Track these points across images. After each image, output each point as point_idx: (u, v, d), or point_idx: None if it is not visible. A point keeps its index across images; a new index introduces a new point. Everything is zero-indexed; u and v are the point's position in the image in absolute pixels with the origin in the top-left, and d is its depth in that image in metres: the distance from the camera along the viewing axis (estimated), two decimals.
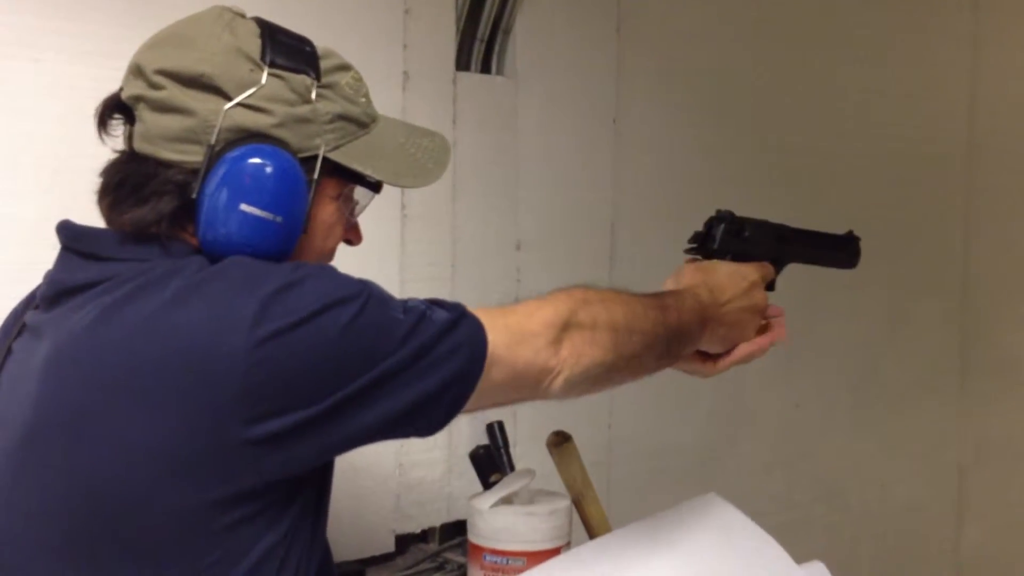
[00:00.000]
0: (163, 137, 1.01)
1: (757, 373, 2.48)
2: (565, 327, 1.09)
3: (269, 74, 1.03)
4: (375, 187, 1.13)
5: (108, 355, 0.94)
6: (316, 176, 1.05)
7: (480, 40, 1.96)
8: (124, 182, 1.03)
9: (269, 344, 0.92)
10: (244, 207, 1.00)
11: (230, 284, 0.95)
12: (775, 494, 2.55)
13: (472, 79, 1.95)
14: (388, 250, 1.83)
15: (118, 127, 1.06)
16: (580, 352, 1.10)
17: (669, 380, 2.27)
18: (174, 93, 1.01)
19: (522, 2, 1.97)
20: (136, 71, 1.04)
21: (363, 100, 1.12)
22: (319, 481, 1.05)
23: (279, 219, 1.01)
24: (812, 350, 2.61)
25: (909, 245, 2.77)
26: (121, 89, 1.06)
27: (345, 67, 1.11)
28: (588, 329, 1.11)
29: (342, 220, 1.12)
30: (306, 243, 1.07)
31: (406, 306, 1.01)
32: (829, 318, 2.64)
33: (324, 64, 1.08)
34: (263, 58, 1.03)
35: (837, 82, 2.59)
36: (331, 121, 1.07)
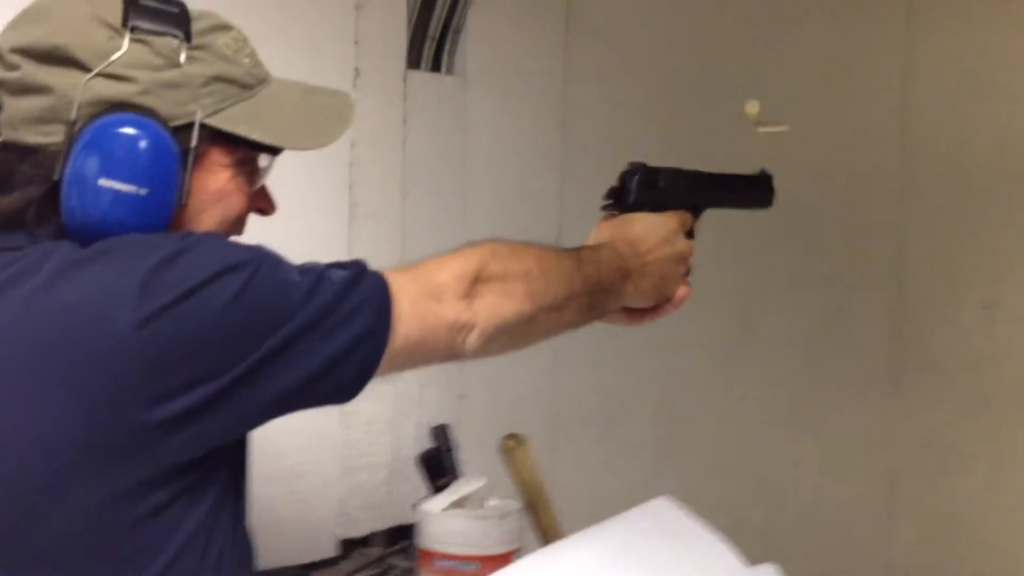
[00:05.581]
0: (25, 120, 0.96)
1: (699, 374, 2.52)
2: (476, 279, 1.05)
3: (131, 40, 0.96)
4: (271, 150, 1.06)
5: None
6: (195, 144, 0.98)
7: (431, 38, 1.94)
8: None
9: (158, 319, 0.87)
10: (103, 182, 0.93)
11: (113, 260, 0.90)
12: (716, 495, 2.57)
13: (422, 77, 1.94)
14: (336, 248, 1.79)
15: None
16: (493, 304, 1.06)
17: (614, 380, 2.30)
18: (29, 71, 0.95)
19: (473, 1, 1.96)
20: None
21: (246, 61, 1.04)
22: (233, 463, 1.00)
23: (143, 191, 0.95)
24: (750, 351, 2.65)
25: (845, 248, 2.82)
26: None
27: (223, 27, 1.04)
28: (500, 280, 1.07)
29: (241, 189, 1.05)
30: (193, 216, 1.01)
31: (302, 268, 0.97)
32: (767, 321, 2.67)
33: (197, 25, 1.01)
34: (124, 24, 0.97)
35: (777, 87, 2.62)
36: (205, 84, 0.99)
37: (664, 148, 2.35)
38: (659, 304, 1.31)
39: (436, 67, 1.97)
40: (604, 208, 1.36)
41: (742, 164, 2.47)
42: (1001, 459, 2.77)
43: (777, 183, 2.53)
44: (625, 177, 1.34)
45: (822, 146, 2.72)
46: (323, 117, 1.10)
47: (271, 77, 1.08)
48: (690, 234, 1.36)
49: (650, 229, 1.29)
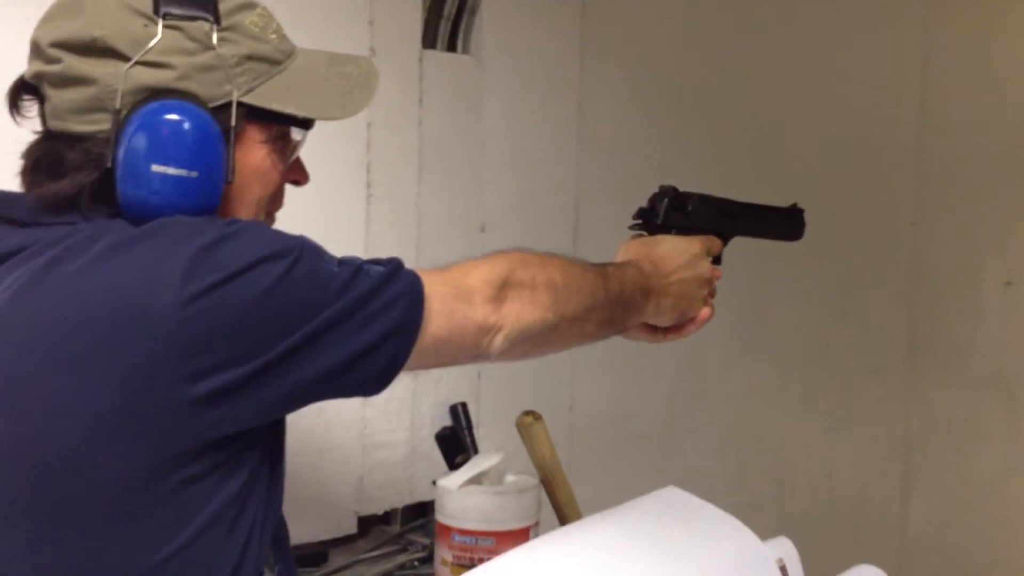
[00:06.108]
0: (70, 111, 0.99)
1: (714, 357, 2.52)
2: (504, 285, 1.09)
3: (164, 26, 0.99)
4: (304, 124, 1.09)
5: (39, 318, 0.92)
6: (234, 123, 1.02)
7: (446, 18, 1.95)
8: (40, 162, 1.01)
9: (201, 300, 0.90)
10: (155, 167, 0.97)
11: (160, 242, 0.93)
12: (730, 475, 2.58)
13: (438, 57, 1.94)
14: (353, 230, 1.81)
15: (33, 108, 1.04)
16: (520, 310, 1.10)
17: (629, 364, 2.31)
18: (71, 64, 0.99)
19: None
20: (34, 48, 1.02)
21: (273, 37, 1.07)
22: (270, 442, 1.03)
23: (194, 174, 0.99)
24: (765, 335, 2.65)
25: (859, 232, 2.81)
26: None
27: (249, 5, 1.07)
28: (527, 288, 1.11)
29: (277, 164, 1.09)
30: (238, 193, 1.05)
31: (341, 261, 1.00)
32: (782, 303, 2.67)
33: (224, 6, 1.04)
34: (156, 11, 1.00)
35: (792, 70, 2.62)
36: (238, 64, 1.03)
37: (681, 131, 2.37)
38: (682, 324, 1.36)
39: (452, 47, 1.98)
40: (632, 228, 1.39)
41: (757, 150, 2.48)
42: (1017, 439, 2.76)
43: (794, 163, 2.53)
44: (654, 199, 1.38)
45: (838, 130, 2.72)
46: (349, 86, 1.13)
47: (297, 49, 1.11)
48: (717, 259, 1.39)
49: (675, 251, 1.33)
